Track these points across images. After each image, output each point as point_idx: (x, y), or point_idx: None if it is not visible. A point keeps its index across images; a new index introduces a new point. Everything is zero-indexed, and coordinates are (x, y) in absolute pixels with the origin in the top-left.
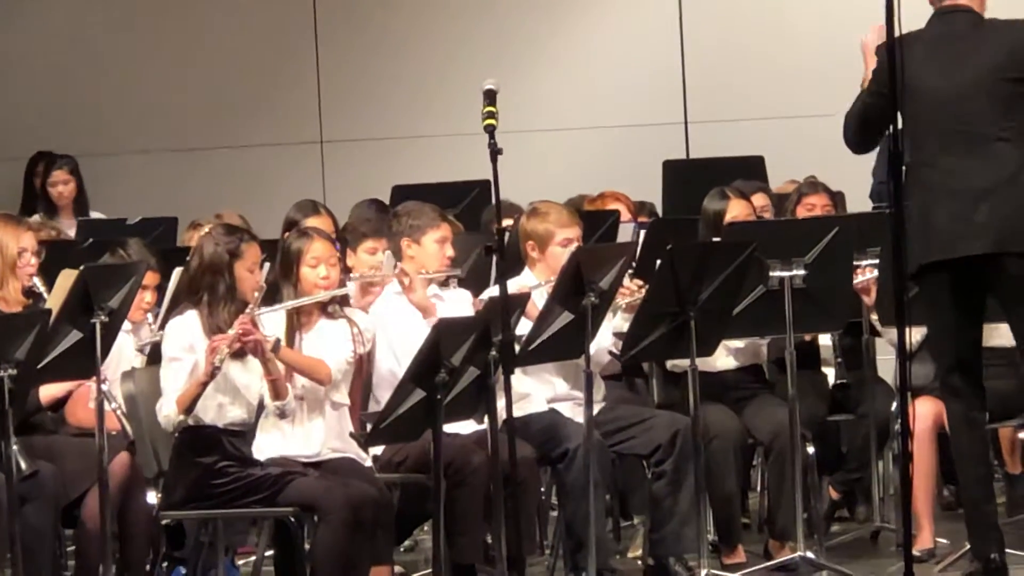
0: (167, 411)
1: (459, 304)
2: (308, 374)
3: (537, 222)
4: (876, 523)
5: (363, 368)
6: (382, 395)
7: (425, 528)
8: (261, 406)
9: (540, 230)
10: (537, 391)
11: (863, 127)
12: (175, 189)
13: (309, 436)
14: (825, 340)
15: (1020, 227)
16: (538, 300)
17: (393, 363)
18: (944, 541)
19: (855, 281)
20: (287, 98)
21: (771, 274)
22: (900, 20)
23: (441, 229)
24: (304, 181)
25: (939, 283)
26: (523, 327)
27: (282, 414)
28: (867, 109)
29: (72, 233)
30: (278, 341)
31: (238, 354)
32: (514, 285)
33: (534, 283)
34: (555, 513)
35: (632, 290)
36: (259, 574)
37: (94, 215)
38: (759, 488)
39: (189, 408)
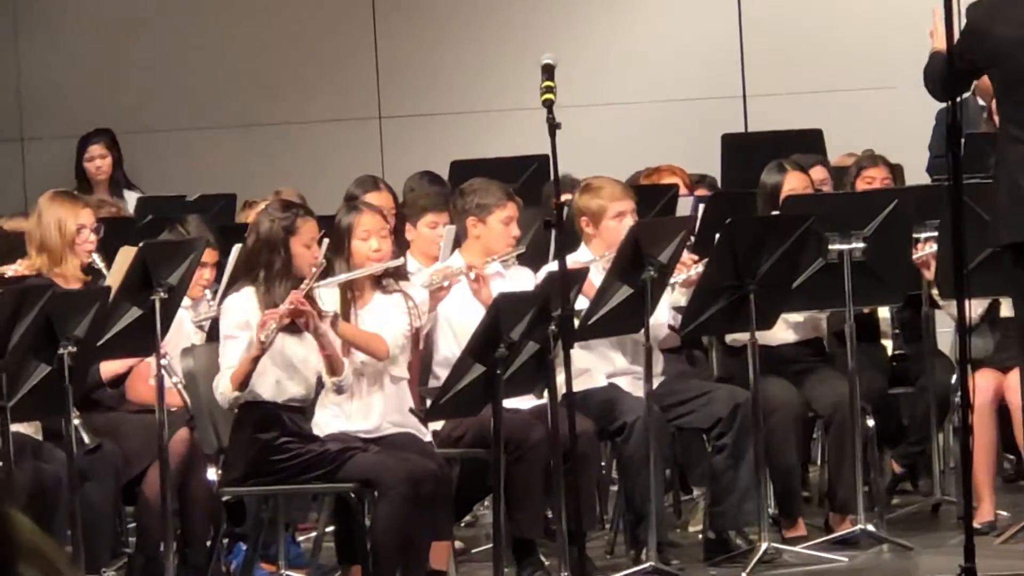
0: (223, 388)
1: (520, 281)
2: (366, 349)
3: (590, 197)
4: (937, 496)
5: (420, 342)
6: (442, 374)
7: (485, 503)
8: (320, 382)
9: (593, 205)
10: (596, 365)
11: (946, 87)
12: (234, 166)
13: (369, 411)
14: (884, 312)
15: None
16: (595, 276)
17: (454, 346)
18: (1004, 513)
19: (914, 255)
20: (346, 74)
21: (830, 247)
22: None
23: (507, 208)
24: (363, 157)
25: None
26: (582, 302)
27: (339, 390)
28: (948, 74)
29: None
30: (336, 316)
31: (295, 330)
32: (570, 261)
33: (590, 259)
34: (615, 487)
35: (688, 264)
36: (320, 550)
37: (130, 193)
38: (819, 461)
39: (243, 384)
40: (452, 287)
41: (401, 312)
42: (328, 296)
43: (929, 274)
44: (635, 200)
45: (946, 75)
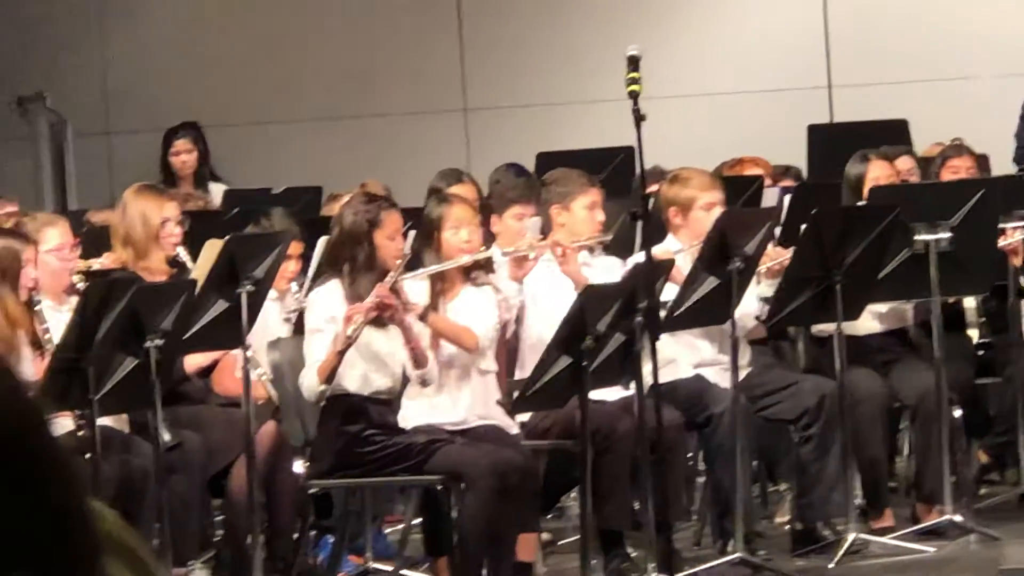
0: (309, 381)
1: (607, 271)
2: (456, 341)
3: (679, 188)
4: None
5: (508, 334)
6: (530, 362)
7: (572, 495)
8: (406, 375)
9: (682, 196)
10: (683, 356)
11: None
12: (320, 158)
13: (456, 404)
14: (970, 302)
15: None
16: (682, 266)
17: (543, 331)
18: None
19: (1001, 243)
20: (431, 66)
21: (916, 237)
22: None
23: (590, 194)
24: (448, 149)
25: None
26: (668, 293)
27: (424, 382)
28: None
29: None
30: (427, 308)
31: (381, 323)
32: (658, 252)
33: (678, 249)
34: (702, 478)
35: (772, 256)
36: (407, 542)
37: (216, 186)
38: (906, 452)
39: (329, 377)
40: (537, 262)
41: (491, 305)
42: (417, 288)
43: (1017, 260)
44: (723, 191)
45: None
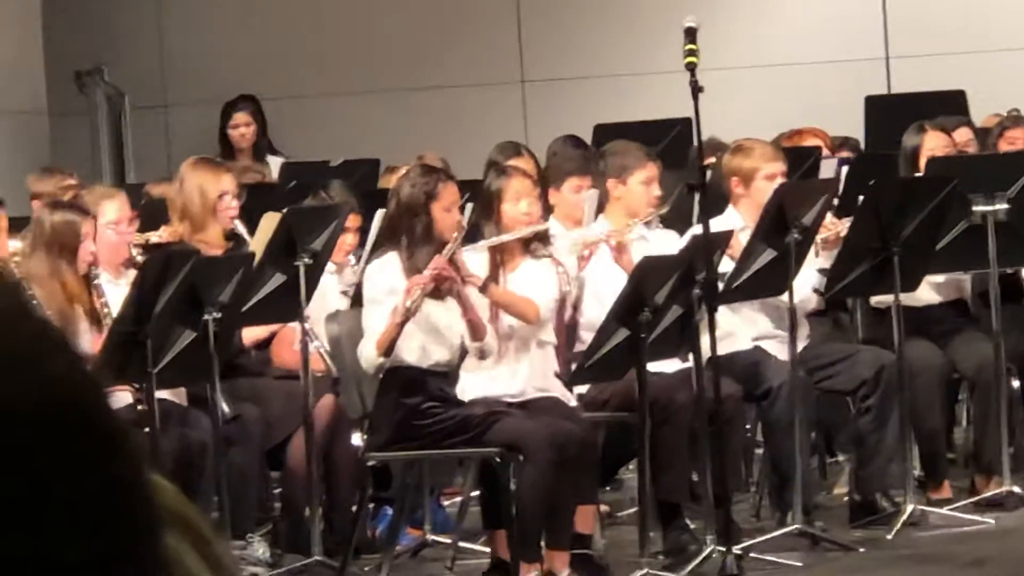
0: (367, 354)
1: (664, 243)
2: (517, 313)
3: (742, 158)
4: None
5: (567, 307)
6: (587, 338)
7: (630, 467)
8: (464, 347)
9: (745, 166)
10: (742, 329)
11: None
12: (378, 131)
13: (514, 376)
14: None
15: None
16: (742, 240)
17: (599, 311)
18: None
19: None
20: (489, 38)
21: (973, 208)
22: None
23: (647, 169)
24: (506, 121)
25: None
26: (725, 266)
27: (482, 354)
28: None
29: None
30: (487, 281)
31: (439, 295)
32: (717, 223)
33: (736, 220)
34: (760, 450)
35: (828, 227)
36: (465, 514)
37: (274, 159)
38: (964, 423)
39: (388, 350)
40: (593, 254)
41: (551, 277)
42: (477, 261)
43: None
44: (785, 162)
45: None
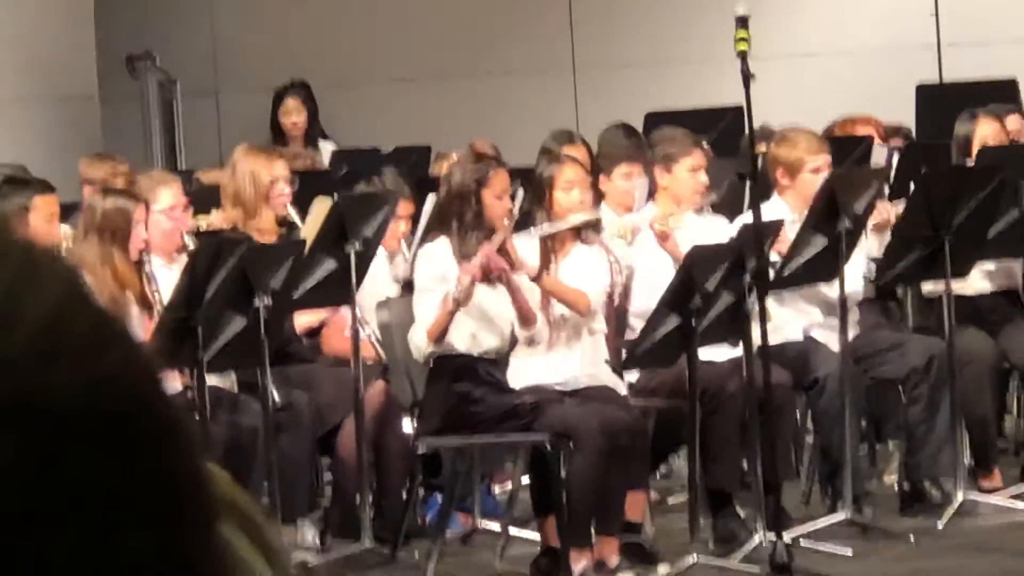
0: (417, 341)
1: (715, 230)
2: (569, 303)
3: (787, 149)
4: None
5: (616, 296)
6: (637, 325)
7: (680, 454)
8: (515, 334)
9: (791, 157)
10: (792, 317)
11: None
12: (429, 117)
13: (564, 363)
14: None
15: None
16: (791, 232)
17: (648, 299)
18: None
19: None
20: (540, 24)
21: None
22: None
23: (694, 156)
24: (557, 108)
25: None
26: (775, 257)
27: (532, 342)
28: None
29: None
30: (540, 269)
31: (490, 282)
32: (764, 212)
33: (781, 209)
34: (810, 438)
35: (880, 211)
36: (515, 501)
37: (325, 145)
38: (1015, 412)
39: (439, 338)
40: (635, 236)
41: (603, 266)
42: (529, 247)
43: None
44: (830, 153)
45: None
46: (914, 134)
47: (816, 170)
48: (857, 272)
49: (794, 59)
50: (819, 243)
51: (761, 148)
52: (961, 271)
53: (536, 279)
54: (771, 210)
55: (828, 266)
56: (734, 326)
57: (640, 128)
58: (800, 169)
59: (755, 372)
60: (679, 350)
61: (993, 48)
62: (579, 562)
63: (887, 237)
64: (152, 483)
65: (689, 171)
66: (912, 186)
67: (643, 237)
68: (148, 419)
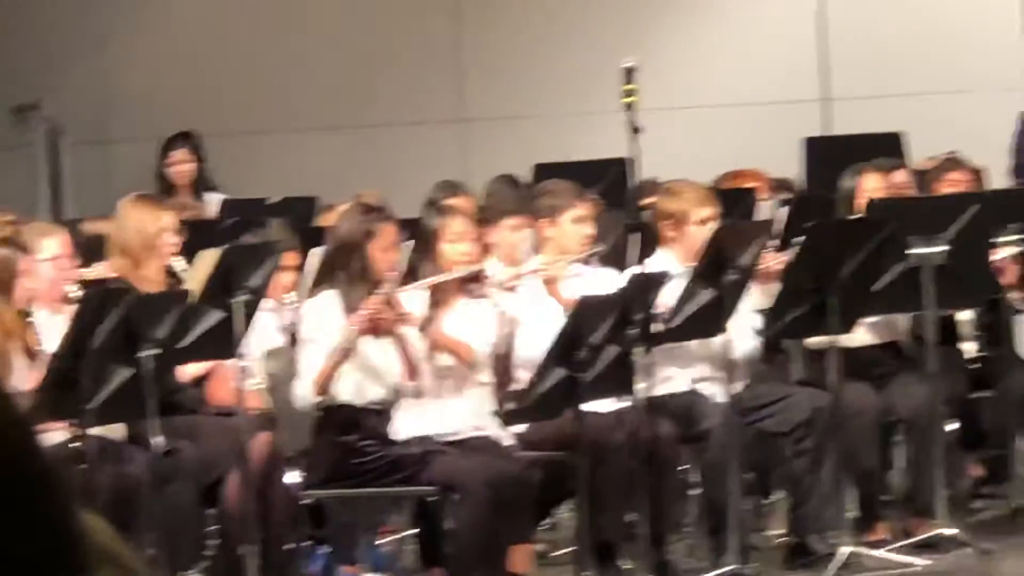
0: (303, 392)
1: (602, 282)
2: (455, 355)
3: (674, 201)
4: (1018, 500)
5: (503, 347)
6: (524, 377)
7: (566, 506)
8: (401, 385)
9: (676, 209)
10: (677, 370)
11: None
12: (316, 168)
13: (450, 414)
14: (964, 316)
15: None
16: (678, 286)
17: (534, 348)
18: None
19: (996, 258)
20: (428, 76)
21: (911, 251)
22: None
23: (579, 207)
24: (445, 160)
25: None
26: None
27: (417, 394)
28: None
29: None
30: (426, 321)
31: (376, 333)
32: (651, 263)
33: (670, 261)
34: (696, 491)
35: (765, 260)
36: (401, 553)
37: (211, 195)
38: (900, 465)
39: (324, 389)
40: (523, 286)
41: (489, 318)
42: (415, 299)
43: (1006, 280)
44: (717, 205)
45: None
46: (801, 187)
47: (702, 222)
48: (747, 326)
49: (682, 111)
50: (706, 296)
51: (648, 200)
52: (847, 325)
53: (422, 331)
54: (659, 262)
55: (715, 319)
56: (620, 378)
57: (529, 180)
58: (686, 221)
59: (641, 424)
60: (565, 402)
61: (880, 102)
62: None
63: (774, 290)
64: (25, 533)
65: (574, 222)
66: (799, 239)
67: (529, 286)
68: (21, 471)
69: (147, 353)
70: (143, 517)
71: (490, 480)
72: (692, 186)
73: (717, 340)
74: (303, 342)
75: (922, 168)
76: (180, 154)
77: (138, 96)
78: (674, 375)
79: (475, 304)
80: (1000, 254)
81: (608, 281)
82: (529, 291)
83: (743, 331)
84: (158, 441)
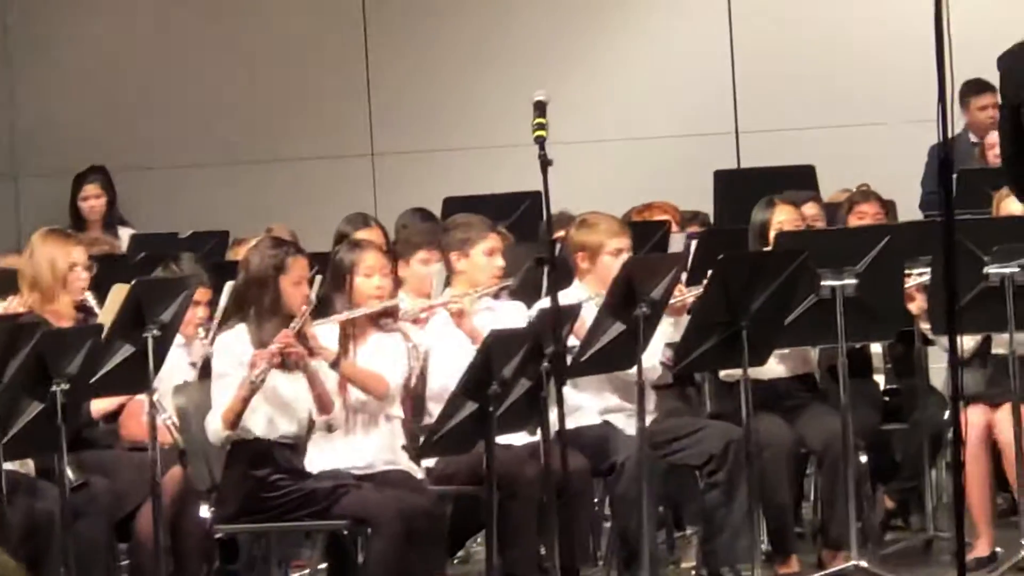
0: (213, 426)
1: (512, 315)
2: (367, 388)
3: (587, 233)
4: (930, 532)
5: (415, 380)
6: (435, 410)
7: (478, 540)
8: (313, 419)
9: (590, 241)
10: (589, 403)
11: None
12: (227, 203)
13: (362, 449)
14: (876, 348)
15: None
16: (589, 313)
17: (445, 380)
18: (999, 550)
19: (910, 284)
20: (339, 111)
21: (822, 283)
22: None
23: (489, 240)
24: (356, 194)
25: None
26: (574, 340)
27: (329, 427)
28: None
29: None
30: (338, 355)
31: (287, 367)
32: (565, 297)
33: (583, 294)
34: (608, 524)
35: (676, 294)
36: None
37: (124, 230)
38: (812, 497)
39: (235, 422)
40: (432, 319)
41: (401, 352)
42: (327, 334)
43: (915, 309)
44: (631, 237)
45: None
46: (712, 220)
47: (616, 252)
48: (654, 353)
49: (594, 145)
50: (616, 329)
51: (560, 233)
52: (759, 358)
53: (334, 364)
54: (572, 295)
55: (626, 352)
56: (531, 412)
57: (439, 213)
58: (600, 252)
59: (553, 457)
60: (476, 436)
61: (790, 135)
62: None
63: (685, 323)
64: None
65: (485, 255)
66: (710, 272)
67: (439, 319)
68: None
69: (58, 388)
70: (55, 552)
71: (402, 513)
72: (606, 218)
73: (627, 372)
74: (215, 376)
75: (833, 201)
76: (92, 189)
77: (48, 130)
78: (585, 407)
79: (387, 337)
80: (909, 284)
81: (518, 315)
82: (439, 324)
83: (651, 360)
84: (69, 476)
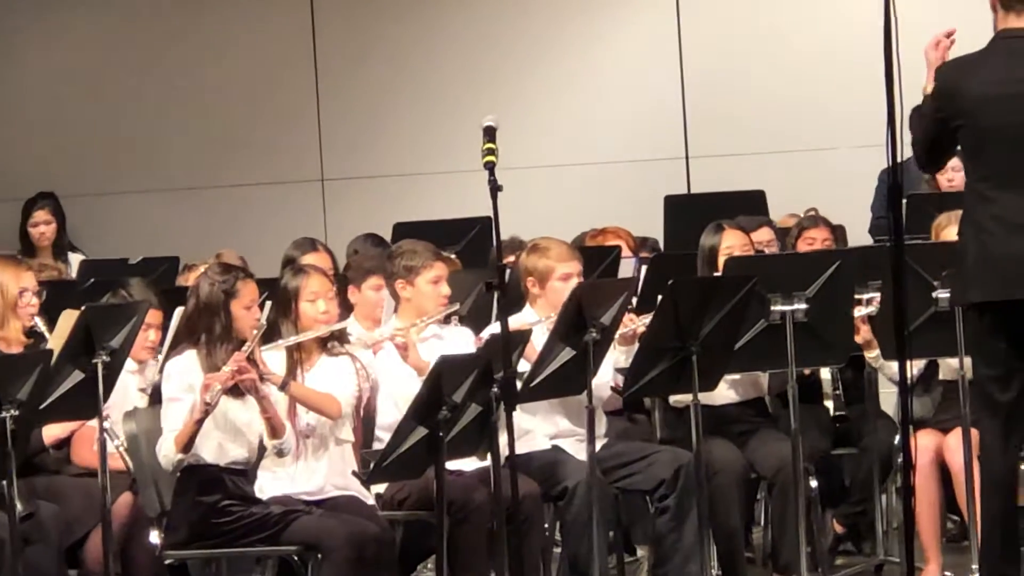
0: (165, 451)
1: (460, 341)
2: (319, 409)
3: (537, 258)
4: (880, 557)
5: (364, 405)
6: (385, 437)
7: (428, 565)
8: (263, 445)
9: (540, 265)
10: (539, 428)
11: (932, 150)
12: (177, 228)
13: (312, 474)
14: (825, 373)
15: None
16: (538, 337)
17: (393, 410)
18: (948, 574)
19: (856, 315)
20: (288, 136)
21: (772, 308)
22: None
23: (435, 268)
24: (305, 219)
25: (994, 323)
26: (524, 364)
27: (280, 452)
28: (932, 136)
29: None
30: (287, 378)
31: (237, 393)
32: (515, 322)
33: (535, 320)
34: (559, 549)
35: (626, 323)
36: None
37: (73, 256)
38: (762, 522)
39: (187, 447)
40: (381, 350)
41: (349, 374)
42: (275, 358)
43: (859, 338)
44: (581, 262)
45: (929, 150)
46: (662, 245)
47: (565, 277)
48: (603, 374)
49: (544, 170)
50: (566, 354)
51: (511, 259)
52: (709, 383)
53: (283, 388)
54: (522, 320)
55: (576, 377)
56: (481, 437)
57: (389, 238)
58: (550, 277)
59: (503, 482)
60: (427, 461)
61: (740, 160)
62: None
63: (635, 348)
64: None
65: (431, 283)
66: (660, 297)
67: (387, 351)
68: None
69: (7, 414)
70: None
71: (352, 538)
72: (556, 243)
73: (577, 397)
74: (166, 401)
75: (783, 226)
76: (41, 215)
77: None
78: (535, 432)
79: (335, 362)
80: (862, 311)
81: (465, 341)
82: (386, 357)
83: (600, 384)
84: (19, 502)
